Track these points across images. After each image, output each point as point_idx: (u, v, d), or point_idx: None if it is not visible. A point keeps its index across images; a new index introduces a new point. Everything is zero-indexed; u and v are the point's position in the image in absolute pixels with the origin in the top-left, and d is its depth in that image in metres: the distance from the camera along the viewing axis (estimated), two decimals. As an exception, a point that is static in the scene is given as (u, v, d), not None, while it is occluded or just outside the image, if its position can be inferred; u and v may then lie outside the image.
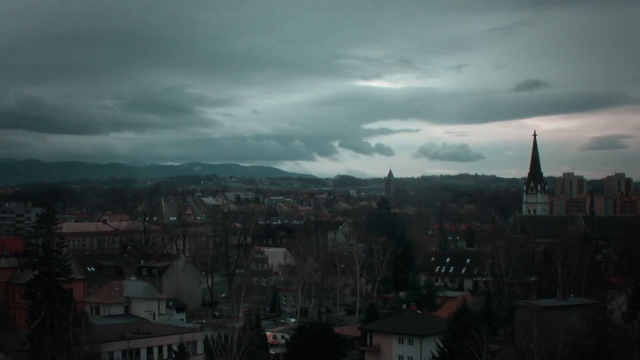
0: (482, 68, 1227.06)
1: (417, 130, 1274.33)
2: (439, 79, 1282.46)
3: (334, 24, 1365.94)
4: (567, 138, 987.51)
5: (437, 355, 68.61)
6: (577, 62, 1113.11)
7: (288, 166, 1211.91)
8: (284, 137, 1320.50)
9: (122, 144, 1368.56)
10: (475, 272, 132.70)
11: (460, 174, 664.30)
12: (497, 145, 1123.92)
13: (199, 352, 78.14)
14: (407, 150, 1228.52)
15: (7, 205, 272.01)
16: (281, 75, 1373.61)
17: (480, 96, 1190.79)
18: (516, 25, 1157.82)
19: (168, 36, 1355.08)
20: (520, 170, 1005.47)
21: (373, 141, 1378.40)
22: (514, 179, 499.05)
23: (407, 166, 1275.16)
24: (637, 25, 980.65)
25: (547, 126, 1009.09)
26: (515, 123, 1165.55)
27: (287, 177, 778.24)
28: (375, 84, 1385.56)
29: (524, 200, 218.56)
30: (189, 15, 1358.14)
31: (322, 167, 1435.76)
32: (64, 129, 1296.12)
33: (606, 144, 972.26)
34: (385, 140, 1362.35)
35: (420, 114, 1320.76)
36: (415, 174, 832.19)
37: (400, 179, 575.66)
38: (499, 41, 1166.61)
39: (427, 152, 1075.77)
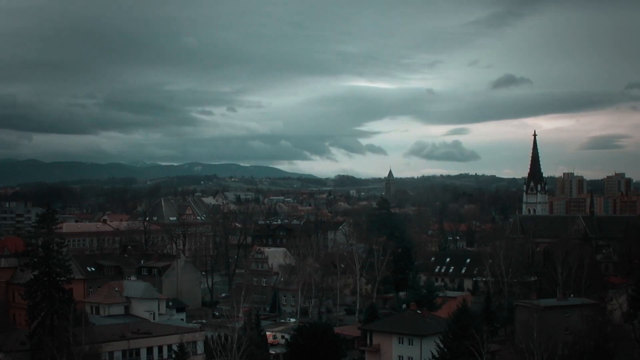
0: (467, 66, 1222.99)
1: (406, 130, 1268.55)
2: (424, 77, 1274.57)
3: (305, 19, 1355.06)
4: (565, 138, 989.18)
5: (437, 355, 68.62)
6: (569, 60, 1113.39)
7: (283, 165, 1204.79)
8: (271, 137, 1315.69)
9: (109, 144, 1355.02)
10: (475, 272, 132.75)
11: (460, 174, 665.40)
12: (491, 145, 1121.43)
13: (199, 352, 78.16)
14: (398, 150, 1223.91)
15: (7, 205, 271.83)
16: (258, 72, 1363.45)
17: (468, 95, 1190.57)
18: (499, 19, 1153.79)
19: (140, 33, 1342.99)
20: (516, 170, 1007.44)
21: (363, 141, 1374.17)
22: (514, 179, 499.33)
23: (400, 166, 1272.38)
24: (622, 22, 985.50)
25: (547, 125, 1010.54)
26: (509, 122, 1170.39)
27: (287, 177, 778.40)
28: (361, 83, 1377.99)
29: (524, 200, 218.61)
30: (158, 11, 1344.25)
31: (317, 167, 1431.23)
32: (47, 128, 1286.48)
33: (604, 144, 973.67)
34: (375, 140, 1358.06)
35: (407, 113, 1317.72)
36: (409, 173, 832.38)
37: (400, 179, 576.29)
38: (486, 40, 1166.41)
39: (419, 152, 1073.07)
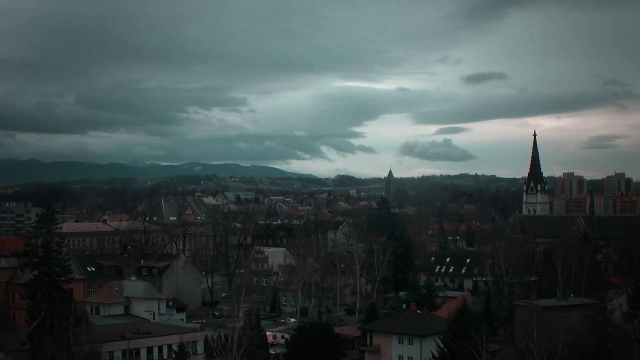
0: (441, 63, 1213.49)
1: (396, 129, 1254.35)
2: (405, 73, 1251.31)
3: (278, 13, 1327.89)
4: (565, 137, 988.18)
5: (437, 355, 68.66)
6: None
7: (277, 165, 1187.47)
8: (257, 137, 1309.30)
9: (93, 143, 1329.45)
10: (475, 272, 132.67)
11: (460, 174, 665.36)
12: (484, 145, 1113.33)
13: (199, 352, 78.18)
14: (388, 150, 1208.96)
15: (7, 205, 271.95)
16: (234, 70, 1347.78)
17: (460, 95, 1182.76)
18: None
19: (109, 30, 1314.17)
20: (513, 170, 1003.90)
21: (353, 141, 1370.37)
22: (514, 179, 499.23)
23: (392, 165, 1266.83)
24: (592, 21, 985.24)
25: (548, 124, 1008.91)
26: (502, 122, 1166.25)
27: (287, 177, 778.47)
28: (342, 81, 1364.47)
29: (524, 200, 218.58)
30: (127, 7, 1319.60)
31: (311, 166, 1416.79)
32: (26, 126, 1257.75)
33: (601, 144, 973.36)
34: (365, 140, 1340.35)
35: (395, 112, 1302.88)
36: (402, 173, 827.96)
37: (400, 179, 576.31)
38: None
39: (411, 151, 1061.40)
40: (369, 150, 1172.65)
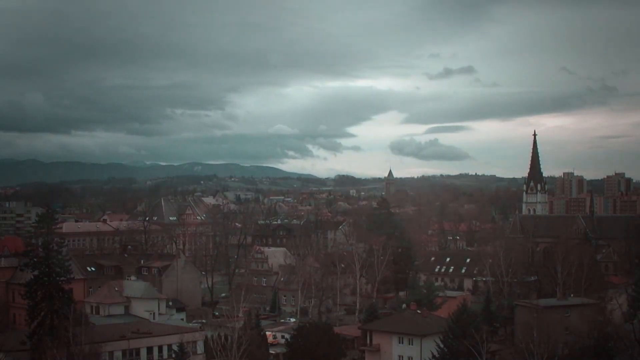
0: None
1: (386, 128, 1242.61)
2: (388, 72, 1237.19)
3: (234, 7, 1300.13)
4: (565, 137, 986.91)
5: (437, 355, 68.74)
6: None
7: (272, 163, 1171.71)
8: (241, 136, 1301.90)
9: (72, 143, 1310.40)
10: (475, 272, 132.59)
11: (460, 174, 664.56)
12: (482, 144, 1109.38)
13: (199, 352, 78.16)
14: (376, 149, 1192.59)
15: (7, 205, 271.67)
16: (190, 65, 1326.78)
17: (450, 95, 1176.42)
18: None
19: (66, 27, 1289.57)
20: (507, 170, 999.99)
21: (340, 140, 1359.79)
22: (514, 179, 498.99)
23: (384, 164, 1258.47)
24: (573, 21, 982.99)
25: (550, 124, 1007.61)
26: (499, 121, 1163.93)
27: (287, 177, 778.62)
28: (331, 80, 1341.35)
29: (524, 200, 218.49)
30: (83, 4, 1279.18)
31: (303, 164, 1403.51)
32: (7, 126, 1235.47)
33: (601, 144, 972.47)
34: (354, 140, 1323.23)
35: (380, 112, 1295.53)
36: (398, 173, 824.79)
37: (400, 178, 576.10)
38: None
39: (401, 151, 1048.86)
40: (357, 149, 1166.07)
